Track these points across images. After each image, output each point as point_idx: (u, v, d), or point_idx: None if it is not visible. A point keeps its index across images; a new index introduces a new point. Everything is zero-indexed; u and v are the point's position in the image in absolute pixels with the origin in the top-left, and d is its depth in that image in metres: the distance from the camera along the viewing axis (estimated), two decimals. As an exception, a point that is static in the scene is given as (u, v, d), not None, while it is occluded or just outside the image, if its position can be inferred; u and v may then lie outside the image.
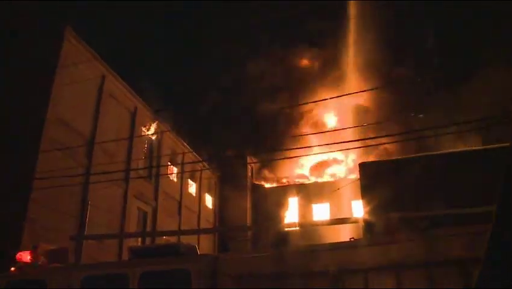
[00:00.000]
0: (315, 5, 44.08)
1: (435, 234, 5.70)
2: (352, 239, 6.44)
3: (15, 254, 7.92)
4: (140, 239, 24.28)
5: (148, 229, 26.41)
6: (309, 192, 37.84)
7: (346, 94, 29.29)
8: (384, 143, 20.57)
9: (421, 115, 33.97)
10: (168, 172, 29.90)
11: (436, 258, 5.47)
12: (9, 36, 19.31)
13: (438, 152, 10.12)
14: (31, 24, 19.40)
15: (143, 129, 26.90)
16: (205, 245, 31.03)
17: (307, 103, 37.83)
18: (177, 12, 59.45)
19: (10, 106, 17.73)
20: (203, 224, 34.13)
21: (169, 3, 53.24)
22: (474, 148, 9.24)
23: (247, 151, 38.71)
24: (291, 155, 23.36)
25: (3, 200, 15.79)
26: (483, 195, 4.56)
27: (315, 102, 30.49)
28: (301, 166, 42.82)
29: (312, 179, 41.86)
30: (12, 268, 7.80)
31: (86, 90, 21.07)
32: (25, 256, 7.66)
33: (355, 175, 28.02)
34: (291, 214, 37.57)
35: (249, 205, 38.73)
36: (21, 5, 19.97)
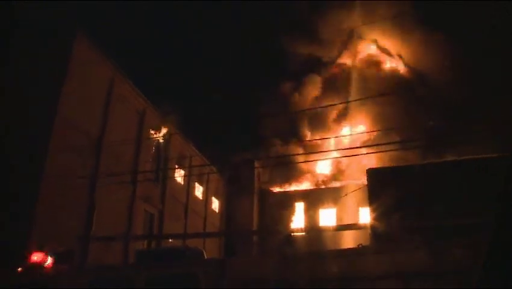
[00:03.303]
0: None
1: (442, 244, 5.66)
2: (360, 246, 6.41)
3: (22, 255, 7.95)
4: (145, 241, 24.33)
5: (154, 231, 26.42)
6: (316, 197, 37.73)
7: (357, 100, 29.17)
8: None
9: (431, 123, 33.56)
10: (176, 175, 29.92)
11: (443, 267, 5.43)
12: (19, 37, 19.46)
13: (446, 160, 10.08)
14: (42, 26, 19.52)
15: (151, 131, 26.96)
16: (210, 248, 30.98)
17: (317, 108, 37.78)
18: (189, 14, 59.60)
19: (20, 106, 17.83)
20: (210, 228, 34.08)
21: (180, 4, 53.43)
22: (481, 156, 9.18)
23: (255, 155, 38.63)
24: (299, 160, 23.24)
25: (11, 200, 15.88)
26: (490, 204, 4.52)
27: (327, 106, 30.39)
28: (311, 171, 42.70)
29: (320, 185, 41.69)
30: (19, 269, 7.82)
31: (95, 91, 21.15)
32: (33, 257, 7.68)
33: (363, 181, 27.86)
34: (297, 218, 37.48)
35: (255, 208, 38.68)
36: (32, 6, 20.11)
